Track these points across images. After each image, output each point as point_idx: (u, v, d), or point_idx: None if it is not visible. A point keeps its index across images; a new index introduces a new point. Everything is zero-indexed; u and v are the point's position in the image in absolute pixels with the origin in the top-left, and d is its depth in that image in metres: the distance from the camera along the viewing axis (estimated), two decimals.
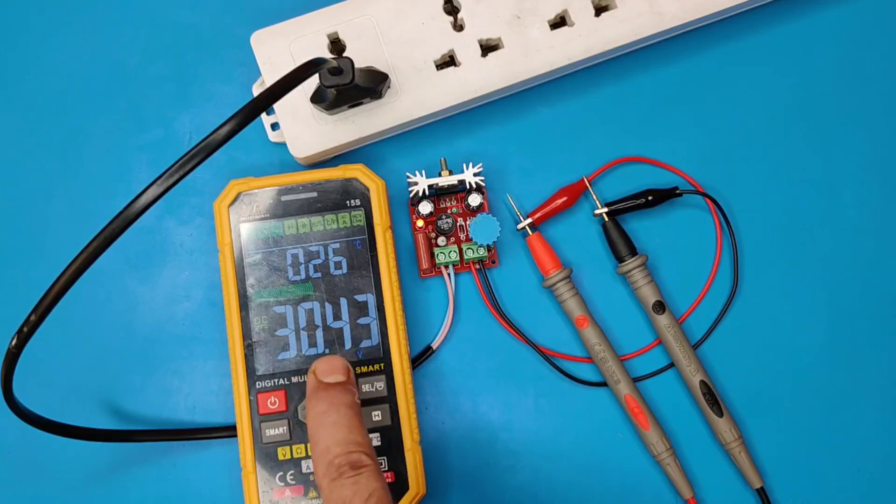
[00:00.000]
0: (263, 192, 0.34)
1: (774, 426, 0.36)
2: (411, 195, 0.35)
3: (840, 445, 0.36)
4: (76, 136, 0.37)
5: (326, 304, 0.34)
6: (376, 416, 0.33)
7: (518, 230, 0.36)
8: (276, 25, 0.35)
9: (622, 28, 0.35)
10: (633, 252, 0.36)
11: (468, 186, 0.35)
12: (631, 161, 0.37)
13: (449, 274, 0.36)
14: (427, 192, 0.35)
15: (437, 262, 0.35)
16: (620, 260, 0.36)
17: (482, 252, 0.35)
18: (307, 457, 0.32)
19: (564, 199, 0.36)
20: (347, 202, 0.34)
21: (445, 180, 0.35)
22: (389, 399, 0.33)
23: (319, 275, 0.34)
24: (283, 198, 0.34)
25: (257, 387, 0.33)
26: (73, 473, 0.35)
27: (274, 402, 0.33)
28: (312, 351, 0.33)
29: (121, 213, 0.25)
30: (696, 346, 0.36)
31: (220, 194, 0.34)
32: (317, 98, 0.34)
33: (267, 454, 0.32)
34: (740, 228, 0.37)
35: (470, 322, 0.36)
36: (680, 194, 0.36)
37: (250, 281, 0.33)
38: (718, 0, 0.36)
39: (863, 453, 0.36)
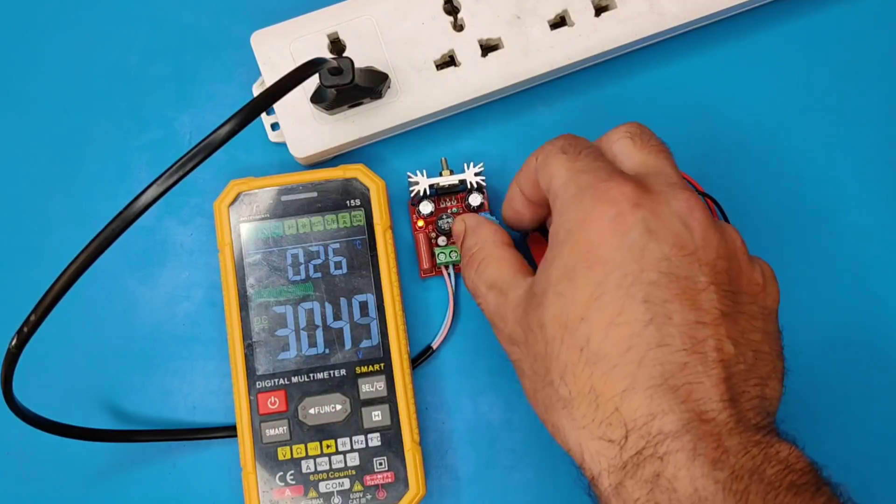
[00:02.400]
0: (263, 192, 0.34)
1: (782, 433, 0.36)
2: (412, 195, 0.35)
3: (841, 446, 0.36)
4: (76, 137, 0.37)
5: (326, 304, 0.34)
6: (376, 416, 0.33)
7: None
8: (276, 25, 0.35)
9: (622, 28, 0.35)
10: None
11: (469, 186, 0.35)
12: None
13: (449, 274, 0.36)
14: (428, 192, 0.35)
15: (437, 262, 0.35)
16: None
17: None
18: (307, 457, 0.32)
19: None
20: (347, 202, 0.34)
21: (446, 180, 0.35)
22: (389, 399, 0.33)
23: (319, 275, 0.34)
24: (283, 198, 0.34)
25: (257, 387, 0.33)
26: (73, 473, 0.35)
27: (274, 402, 0.33)
28: (312, 351, 0.33)
29: (121, 213, 0.25)
30: None
31: (220, 194, 0.34)
32: (317, 98, 0.34)
33: (267, 454, 0.32)
34: (740, 228, 0.37)
35: (470, 322, 0.36)
36: None
37: (250, 281, 0.33)
38: (718, 0, 0.36)
39: (864, 454, 0.36)
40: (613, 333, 0.25)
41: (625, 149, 0.29)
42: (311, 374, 0.33)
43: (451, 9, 0.36)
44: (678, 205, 0.26)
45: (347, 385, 0.33)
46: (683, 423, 0.24)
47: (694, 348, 0.24)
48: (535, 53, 0.35)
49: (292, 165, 0.37)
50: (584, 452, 0.25)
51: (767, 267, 0.28)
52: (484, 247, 0.31)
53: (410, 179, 0.35)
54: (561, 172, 0.28)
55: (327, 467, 0.32)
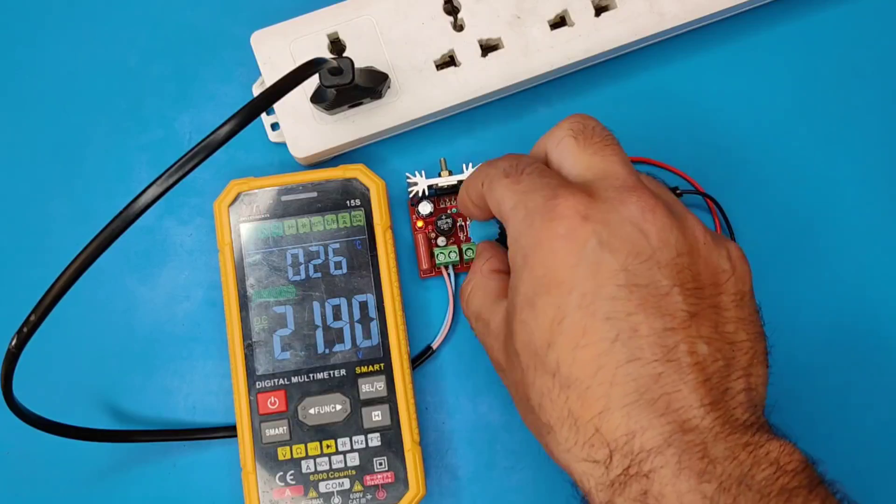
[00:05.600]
0: (263, 192, 0.34)
1: (773, 427, 0.36)
2: (411, 195, 0.35)
3: (840, 448, 0.36)
4: (76, 137, 0.37)
5: (326, 304, 0.34)
6: (376, 416, 0.33)
7: None
8: (276, 25, 0.35)
9: (622, 28, 0.35)
10: None
11: None
12: (631, 161, 0.37)
13: (449, 274, 0.36)
14: (427, 193, 0.35)
15: (437, 262, 0.35)
16: None
17: None
18: (307, 457, 0.32)
19: None
20: (347, 202, 0.34)
21: (445, 180, 0.35)
22: (389, 399, 0.33)
23: (319, 275, 0.34)
24: (283, 198, 0.34)
25: (257, 387, 0.33)
26: (73, 473, 0.35)
27: (274, 402, 0.33)
28: (312, 351, 0.33)
29: (121, 213, 0.25)
30: None
31: (220, 194, 0.34)
32: (317, 98, 0.34)
33: (267, 454, 0.32)
34: (740, 228, 0.37)
35: None
36: (680, 194, 0.36)
37: (250, 281, 0.33)
38: (718, 0, 0.36)
39: (863, 455, 0.36)
40: (581, 356, 0.24)
41: (568, 151, 0.28)
42: (311, 374, 0.33)
43: (451, 9, 0.36)
44: (629, 209, 0.25)
45: (347, 385, 0.33)
46: (665, 437, 0.23)
47: (666, 357, 0.24)
48: (535, 53, 0.35)
49: (292, 165, 0.37)
50: (573, 473, 0.25)
51: (735, 248, 0.27)
52: (472, 278, 0.31)
53: (409, 180, 0.35)
54: (507, 197, 0.27)
55: (327, 467, 0.32)
